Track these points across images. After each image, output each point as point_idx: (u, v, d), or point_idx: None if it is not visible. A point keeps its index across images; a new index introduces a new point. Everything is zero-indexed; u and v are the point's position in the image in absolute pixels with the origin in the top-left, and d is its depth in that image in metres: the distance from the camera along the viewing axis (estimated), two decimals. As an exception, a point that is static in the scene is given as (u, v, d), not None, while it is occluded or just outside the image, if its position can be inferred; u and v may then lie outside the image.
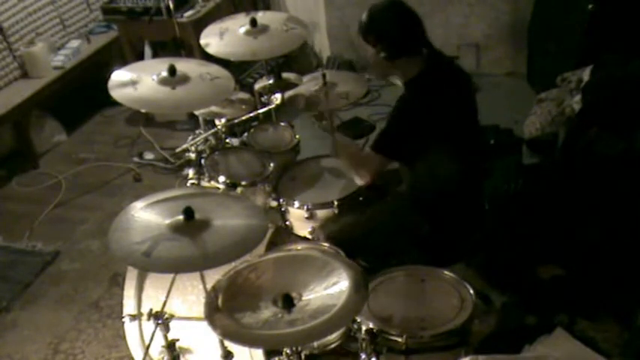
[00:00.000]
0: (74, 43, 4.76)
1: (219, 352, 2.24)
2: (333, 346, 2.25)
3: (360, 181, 2.64)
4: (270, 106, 3.03)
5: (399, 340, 2.11)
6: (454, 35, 4.62)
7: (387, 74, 2.61)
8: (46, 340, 3.15)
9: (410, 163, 2.59)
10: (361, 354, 2.15)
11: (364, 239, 2.56)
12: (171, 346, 2.27)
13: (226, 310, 1.91)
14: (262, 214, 2.21)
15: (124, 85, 2.66)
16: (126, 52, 4.74)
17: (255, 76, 4.41)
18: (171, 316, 2.23)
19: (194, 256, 1.96)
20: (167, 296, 2.25)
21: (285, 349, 2.08)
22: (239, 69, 4.38)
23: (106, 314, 3.23)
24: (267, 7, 5.07)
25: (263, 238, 2.16)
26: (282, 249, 2.32)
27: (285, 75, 3.23)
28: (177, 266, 1.99)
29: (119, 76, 2.71)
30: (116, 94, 2.63)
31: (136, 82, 2.67)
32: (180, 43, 4.26)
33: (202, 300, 2.03)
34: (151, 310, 2.24)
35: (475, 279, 2.76)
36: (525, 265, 3.05)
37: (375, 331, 2.12)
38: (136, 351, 2.52)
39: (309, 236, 2.74)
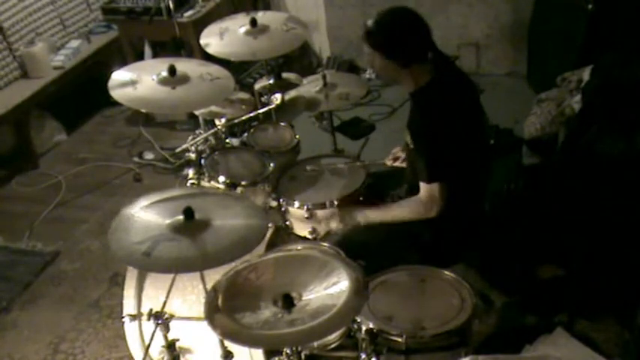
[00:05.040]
0: (74, 43, 4.77)
1: (219, 352, 2.24)
2: (333, 346, 2.25)
3: (432, 215, 2.44)
4: (270, 106, 3.03)
5: (399, 340, 2.11)
6: (454, 35, 4.62)
7: (394, 80, 2.55)
8: (46, 340, 3.15)
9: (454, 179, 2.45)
10: (361, 354, 2.15)
11: (365, 242, 2.56)
12: (171, 346, 2.27)
13: (226, 310, 1.91)
14: (262, 214, 2.21)
15: (123, 85, 2.66)
16: (126, 52, 4.74)
17: (255, 76, 4.41)
18: (171, 316, 2.23)
19: (194, 256, 1.97)
20: (167, 296, 2.25)
21: (285, 349, 2.08)
22: (239, 69, 4.38)
23: (106, 314, 3.23)
24: (267, 7, 5.07)
25: (263, 238, 2.16)
26: (282, 249, 2.32)
27: (285, 75, 3.23)
28: (177, 266, 1.99)
29: (119, 76, 2.72)
30: (116, 94, 2.63)
31: (135, 82, 2.67)
32: (180, 43, 4.26)
33: (202, 300, 2.02)
34: (151, 310, 2.24)
35: (475, 279, 2.76)
36: (525, 265, 3.05)
37: (375, 331, 2.12)
38: (136, 351, 2.52)
39: (309, 236, 2.74)
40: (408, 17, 2.42)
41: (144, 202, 2.16)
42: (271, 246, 2.47)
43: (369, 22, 2.43)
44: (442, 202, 2.40)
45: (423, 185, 2.43)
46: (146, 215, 2.09)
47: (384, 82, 4.54)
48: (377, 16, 2.43)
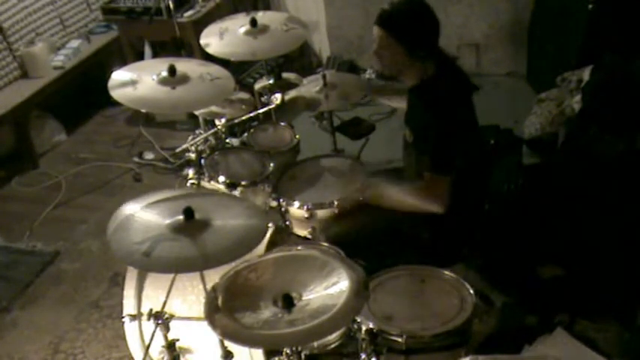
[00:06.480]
0: (74, 43, 4.77)
1: (219, 352, 2.24)
2: (333, 346, 2.25)
3: (436, 210, 2.46)
4: (270, 106, 3.03)
5: (399, 340, 2.11)
6: (454, 35, 4.62)
7: (398, 73, 2.56)
8: (46, 340, 3.15)
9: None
10: (361, 354, 2.15)
11: (365, 241, 2.56)
12: (171, 346, 2.27)
13: (226, 310, 1.91)
14: (262, 214, 2.21)
15: (123, 85, 2.66)
16: (126, 52, 4.74)
17: (255, 76, 4.41)
18: (171, 316, 2.23)
19: (194, 256, 1.96)
20: (167, 296, 2.24)
21: (285, 349, 2.08)
22: (239, 69, 4.38)
23: (106, 314, 3.23)
24: (267, 7, 5.07)
25: (263, 238, 2.16)
26: (282, 249, 2.32)
27: (285, 75, 3.23)
28: (177, 266, 1.99)
29: (119, 76, 2.72)
30: (116, 94, 2.63)
31: (135, 82, 2.67)
32: (180, 43, 4.26)
33: (202, 300, 2.02)
34: (151, 310, 2.23)
35: (475, 279, 2.76)
36: (525, 265, 3.05)
37: (375, 331, 2.12)
38: (136, 351, 2.52)
39: (309, 236, 2.74)
40: (424, 6, 2.46)
41: (138, 202, 2.16)
42: (271, 246, 2.47)
43: (387, 6, 2.46)
44: (446, 198, 2.40)
45: (426, 175, 2.44)
46: (146, 215, 2.09)
47: (384, 79, 4.54)
48: (395, 1, 2.46)
